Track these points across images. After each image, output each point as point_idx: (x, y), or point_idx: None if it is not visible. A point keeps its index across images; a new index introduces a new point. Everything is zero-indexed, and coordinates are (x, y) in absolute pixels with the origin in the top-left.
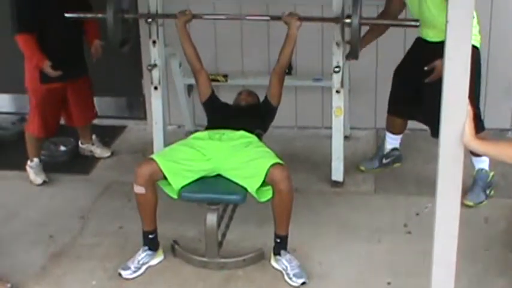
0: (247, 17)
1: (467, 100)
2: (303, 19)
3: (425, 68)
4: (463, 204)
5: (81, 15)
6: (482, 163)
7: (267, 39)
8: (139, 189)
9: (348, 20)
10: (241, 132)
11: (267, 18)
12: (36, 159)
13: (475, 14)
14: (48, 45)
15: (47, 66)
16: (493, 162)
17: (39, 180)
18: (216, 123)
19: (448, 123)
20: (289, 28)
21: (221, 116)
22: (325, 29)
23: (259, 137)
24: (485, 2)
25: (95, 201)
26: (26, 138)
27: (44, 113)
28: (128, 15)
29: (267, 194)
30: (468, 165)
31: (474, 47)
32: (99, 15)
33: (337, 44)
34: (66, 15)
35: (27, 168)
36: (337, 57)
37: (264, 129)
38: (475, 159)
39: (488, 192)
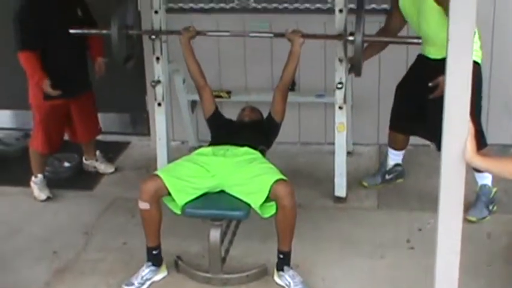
0: (251, 34)
1: (468, 116)
2: (306, 36)
3: (430, 84)
4: (465, 220)
5: (86, 31)
6: (485, 179)
7: (270, 55)
8: (144, 205)
9: (351, 38)
10: (245, 149)
11: (271, 35)
12: (40, 175)
13: (476, 29)
14: (51, 61)
15: (46, 85)
16: (496, 178)
17: (43, 196)
18: (220, 139)
19: (450, 139)
20: (293, 45)
21: (225, 132)
22: (328, 45)
23: (263, 153)
24: (487, 18)
25: (99, 217)
26: (30, 154)
27: (48, 129)
28: (132, 32)
29: (271, 209)
30: (471, 181)
31: (475, 63)
32: (104, 32)
33: (340, 61)
34: (71, 31)
35: (31, 184)
36: (340, 73)
37: (268, 145)
38: (477, 175)
39: (491, 208)
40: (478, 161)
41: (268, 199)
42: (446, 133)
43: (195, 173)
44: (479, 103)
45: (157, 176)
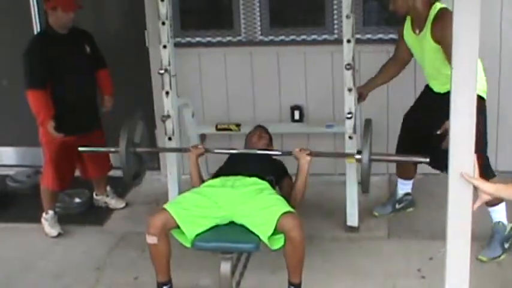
0: (258, 152)
1: (473, 148)
2: (314, 154)
3: (438, 132)
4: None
5: (94, 149)
6: (499, 214)
7: (277, 87)
8: (152, 240)
9: (358, 156)
10: (254, 179)
11: (279, 153)
12: (51, 212)
13: (480, 63)
14: (61, 98)
15: (50, 127)
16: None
17: (54, 232)
18: (229, 169)
19: (456, 166)
20: (300, 163)
21: (233, 162)
22: (336, 75)
23: (271, 183)
24: (493, 46)
25: (110, 252)
26: (41, 192)
27: (59, 166)
28: (140, 149)
29: (279, 241)
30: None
31: (480, 98)
32: (112, 150)
33: (349, 90)
34: (80, 149)
35: (42, 220)
36: (349, 103)
37: (276, 177)
38: (491, 209)
39: (507, 246)
40: (487, 186)
41: (276, 231)
42: (452, 161)
43: (204, 204)
44: (485, 136)
45: (165, 209)
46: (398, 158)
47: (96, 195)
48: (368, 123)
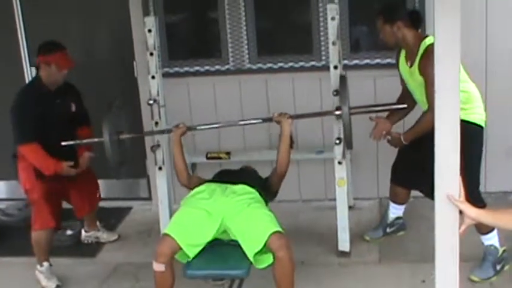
0: (240, 123)
1: (458, 170)
2: (294, 117)
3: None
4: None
5: (78, 141)
6: (491, 240)
7: (267, 114)
8: (159, 267)
9: (338, 112)
10: (242, 186)
11: (259, 120)
12: (46, 264)
13: (476, 89)
14: (46, 151)
15: (67, 168)
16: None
17: (52, 285)
18: (216, 178)
19: (441, 188)
20: (282, 126)
21: (220, 175)
22: (324, 102)
23: (261, 193)
24: (479, 64)
25: (102, 284)
26: (34, 241)
27: (51, 202)
28: (124, 136)
29: (266, 260)
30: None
31: (478, 126)
32: (96, 140)
33: (337, 116)
34: (63, 143)
35: (37, 273)
36: (338, 129)
37: (263, 190)
38: (483, 237)
39: (498, 268)
40: (470, 210)
41: (263, 249)
42: (437, 182)
43: (199, 219)
44: (477, 171)
45: (169, 236)
46: (377, 108)
47: (86, 231)
48: (343, 79)
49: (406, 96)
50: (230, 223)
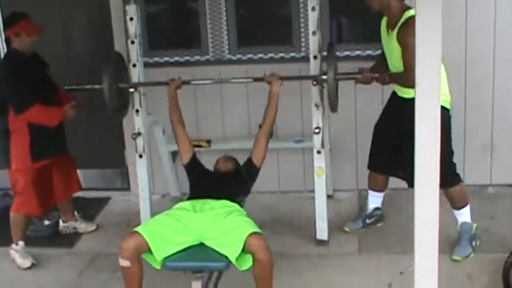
0: (232, 80)
1: (438, 160)
2: (283, 78)
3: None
4: (451, 260)
5: (80, 86)
6: (464, 215)
7: (246, 104)
8: (124, 263)
9: (324, 76)
10: (223, 201)
11: (250, 80)
12: (21, 243)
13: (444, 73)
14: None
15: (69, 110)
16: (474, 216)
17: (27, 263)
18: (199, 192)
19: (422, 174)
20: (271, 86)
21: (203, 185)
22: (304, 91)
23: (241, 204)
24: (459, 60)
25: (80, 274)
26: (12, 220)
27: (41, 190)
28: (123, 85)
29: (248, 262)
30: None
31: (444, 108)
32: (96, 86)
33: (316, 106)
34: (66, 87)
35: (12, 252)
36: (317, 118)
37: (246, 193)
38: (456, 212)
39: (474, 244)
40: None
41: (244, 251)
42: (418, 169)
43: (174, 228)
44: (449, 143)
45: (137, 232)
46: (361, 76)
47: (64, 221)
48: (330, 46)
49: (381, 64)
50: (206, 236)
